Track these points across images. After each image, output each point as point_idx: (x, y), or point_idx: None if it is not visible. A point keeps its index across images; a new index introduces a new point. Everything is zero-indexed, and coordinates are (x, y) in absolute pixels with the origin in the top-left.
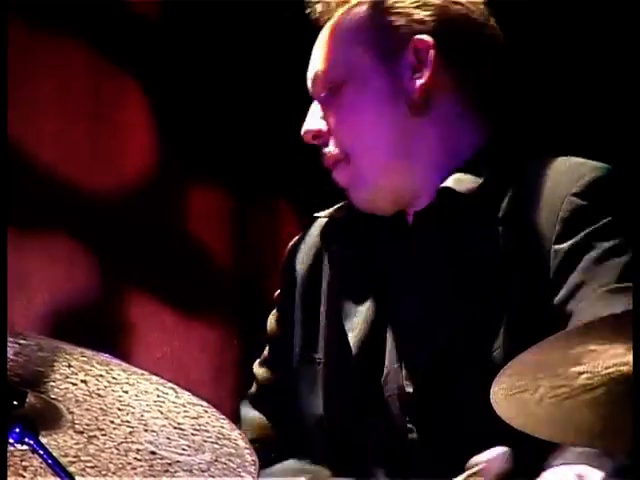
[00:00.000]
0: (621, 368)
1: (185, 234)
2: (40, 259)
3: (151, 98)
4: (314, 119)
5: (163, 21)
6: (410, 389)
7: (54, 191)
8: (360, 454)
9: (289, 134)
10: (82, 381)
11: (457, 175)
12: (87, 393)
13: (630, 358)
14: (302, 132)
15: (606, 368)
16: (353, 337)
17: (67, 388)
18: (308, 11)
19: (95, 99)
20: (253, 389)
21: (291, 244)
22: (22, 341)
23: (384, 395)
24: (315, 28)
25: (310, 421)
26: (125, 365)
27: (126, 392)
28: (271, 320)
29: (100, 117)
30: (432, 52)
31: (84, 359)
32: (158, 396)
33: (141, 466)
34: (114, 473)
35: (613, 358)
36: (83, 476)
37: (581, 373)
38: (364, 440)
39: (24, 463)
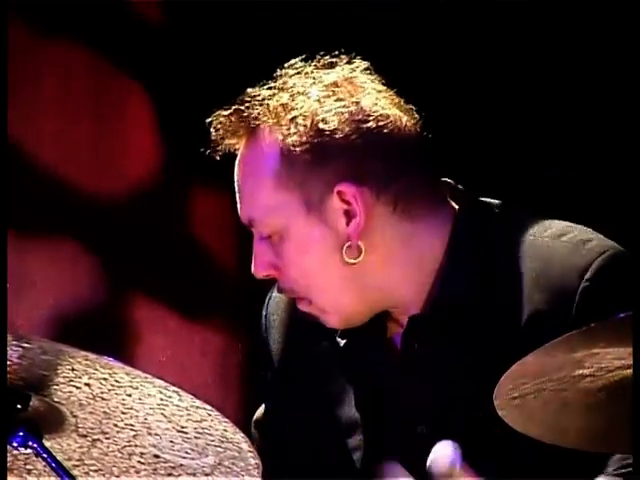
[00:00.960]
0: (624, 371)
1: (189, 237)
2: (44, 262)
3: (153, 99)
4: (262, 260)
5: (165, 22)
6: None
7: (57, 194)
8: None
9: None
10: (85, 384)
11: (444, 282)
12: (90, 396)
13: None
14: (253, 272)
15: (609, 371)
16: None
17: (70, 391)
18: (213, 133)
19: (97, 100)
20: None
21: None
22: (26, 344)
23: None
24: (218, 143)
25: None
26: (128, 368)
27: (129, 395)
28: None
29: (102, 119)
30: (358, 197)
31: (87, 362)
32: (161, 399)
33: (145, 469)
34: (118, 476)
35: (616, 361)
36: (88, 479)
37: (584, 376)
38: None
39: (28, 466)
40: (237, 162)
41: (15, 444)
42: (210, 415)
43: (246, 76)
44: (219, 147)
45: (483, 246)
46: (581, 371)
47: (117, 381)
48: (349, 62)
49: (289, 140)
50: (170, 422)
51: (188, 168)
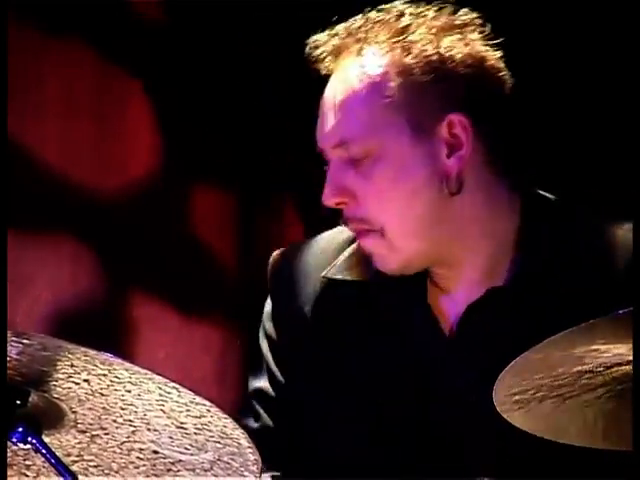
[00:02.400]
0: (623, 367)
1: (189, 235)
2: (44, 260)
3: (155, 99)
4: (337, 186)
5: (166, 22)
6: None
7: (58, 192)
8: None
9: (294, 135)
10: (85, 380)
11: (526, 258)
12: (90, 392)
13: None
14: (323, 197)
15: (608, 367)
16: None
17: (70, 387)
18: (308, 54)
19: (98, 100)
20: (255, 426)
21: (283, 276)
22: (25, 341)
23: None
24: (312, 71)
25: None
26: (128, 364)
27: (129, 391)
28: (269, 355)
29: (104, 118)
30: (469, 130)
31: (87, 359)
32: (161, 395)
33: (144, 465)
34: (117, 472)
35: (615, 357)
36: (86, 475)
37: (583, 372)
38: None
39: (27, 462)
40: (340, 79)
41: (14, 440)
42: (209, 411)
43: (250, 77)
44: (323, 65)
45: (555, 229)
46: (580, 367)
47: (116, 377)
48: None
49: (409, 60)
50: (169, 418)
51: (188, 167)
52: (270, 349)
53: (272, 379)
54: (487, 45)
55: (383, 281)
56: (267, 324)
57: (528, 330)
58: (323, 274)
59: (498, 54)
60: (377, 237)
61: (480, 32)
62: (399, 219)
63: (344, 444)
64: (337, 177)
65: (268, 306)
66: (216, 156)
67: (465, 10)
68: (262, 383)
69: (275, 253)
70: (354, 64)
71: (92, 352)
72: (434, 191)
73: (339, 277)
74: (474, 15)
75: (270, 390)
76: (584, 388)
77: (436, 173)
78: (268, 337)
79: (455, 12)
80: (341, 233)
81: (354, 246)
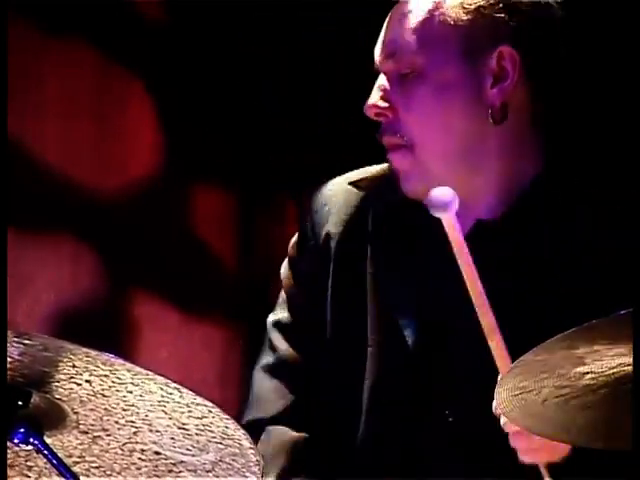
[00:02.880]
0: (625, 368)
1: (189, 235)
2: (45, 259)
3: (156, 99)
4: (382, 95)
5: (167, 22)
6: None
7: (58, 191)
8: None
9: (294, 135)
10: (86, 381)
11: (527, 197)
12: (91, 393)
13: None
14: (367, 106)
15: (610, 368)
16: (410, 338)
17: (71, 388)
18: None
19: (99, 100)
20: (272, 359)
21: (316, 206)
22: (27, 341)
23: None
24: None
25: (346, 404)
26: (129, 365)
27: (130, 392)
28: (291, 282)
29: (104, 117)
30: (517, 64)
31: (88, 359)
32: (162, 396)
33: (145, 466)
34: (119, 473)
35: (617, 358)
36: (88, 476)
37: (585, 373)
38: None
39: (29, 463)
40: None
41: (16, 441)
42: (211, 412)
43: (251, 77)
44: None
45: (571, 190)
46: (582, 368)
47: (118, 378)
48: None
49: None
50: (171, 419)
51: (189, 167)
52: (293, 276)
53: (292, 304)
54: None
55: (404, 202)
56: (292, 253)
57: (504, 272)
58: (349, 181)
59: None
60: (407, 152)
61: None
62: (432, 138)
63: (351, 375)
64: (382, 88)
65: (294, 239)
66: (217, 156)
67: None
68: (280, 315)
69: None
70: None
71: (94, 353)
72: (472, 117)
73: (362, 182)
74: None
75: (289, 318)
76: (586, 389)
77: (478, 101)
78: (292, 266)
79: None
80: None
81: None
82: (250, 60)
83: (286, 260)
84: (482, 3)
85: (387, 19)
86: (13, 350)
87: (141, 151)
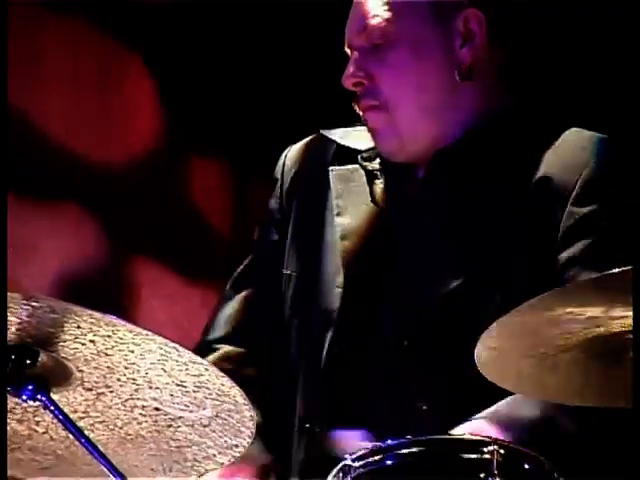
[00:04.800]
0: (597, 329)
1: (187, 203)
2: (50, 228)
3: (156, 75)
4: (357, 66)
5: (167, 9)
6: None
7: (63, 163)
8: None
9: (287, 112)
10: (90, 341)
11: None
12: (95, 352)
13: (607, 320)
14: (343, 78)
15: (583, 329)
16: (347, 275)
17: (76, 348)
18: None
19: (100, 75)
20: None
21: (292, 153)
22: (34, 303)
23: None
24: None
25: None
26: (130, 326)
27: (132, 351)
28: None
29: (105, 92)
30: (483, 25)
31: (92, 321)
32: (162, 355)
33: (146, 421)
34: (121, 428)
35: (590, 320)
36: (92, 431)
37: (560, 334)
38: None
39: (37, 418)
40: None
41: (25, 397)
42: (207, 370)
43: (247, 56)
44: None
45: (524, 124)
46: (557, 329)
47: (120, 338)
48: None
49: None
50: (170, 377)
51: (187, 139)
52: (267, 220)
53: (260, 248)
54: None
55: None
56: (270, 203)
57: (464, 197)
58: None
59: None
60: (383, 112)
61: None
62: (407, 97)
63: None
64: (357, 61)
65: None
66: (213, 129)
67: None
68: (249, 261)
69: (289, 148)
70: None
71: (97, 314)
72: (445, 76)
73: (332, 137)
74: None
75: (252, 260)
76: (561, 349)
77: (449, 60)
78: (267, 213)
79: None
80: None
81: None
82: (247, 37)
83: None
84: None
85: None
86: (21, 312)
87: (141, 124)
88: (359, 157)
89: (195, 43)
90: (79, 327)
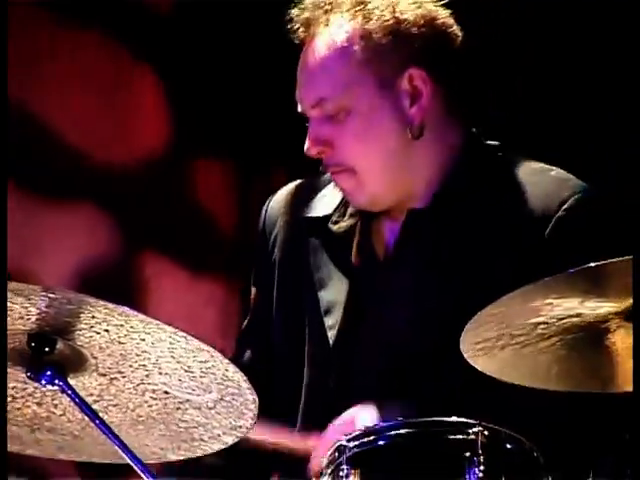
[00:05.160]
0: (573, 319)
1: (194, 202)
2: (68, 225)
3: (163, 80)
4: (317, 135)
5: (171, 7)
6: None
7: (78, 164)
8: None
9: (286, 115)
10: (105, 330)
11: (449, 183)
12: (109, 340)
13: (582, 310)
14: (306, 149)
15: (560, 319)
16: (331, 331)
17: (91, 336)
18: (288, 27)
19: (113, 81)
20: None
21: (272, 205)
22: (52, 295)
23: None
24: (291, 41)
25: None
26: (142, 316)
27: (143, 340)
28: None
29: (118, 98)
30: (427, 82)
31: (106, 311)
32: (171, 343)
33: (156, 404)
34: (133, 410)
35: (567, 310)
36: (106, 413)
37: (539, 323)
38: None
39: (55, 402)
40: (312, 47)
41: (44, 382)
42: (213, 357)
43: (248, 60)
44: (296, 35)
45: (487, 165)
46: (536, 319)
47: (132, 327)
48: None
49: (370, 26)
50: (178, 363)
51: (193, 141)
52: (255, 272)
53: (258, 291)
54: (437, 5)
55: (340, 218)
56: (257, 254)
57: (438, 249)
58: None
59: (448, 12)
60: (350, 175)
61: None
62: (369, 160)
63: (297, 360)
64: (316, 131)
65: (258, 240)
66: (218, 131)
67: None
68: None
69: (270, 197)
70: (323, 33)
71: (111, 305)
72: (399, 136)
73: (309, 215)
74: None
75: (249, 321)
76: (539, 337)
77: (401, 121)
78: (256, 264)
79: None
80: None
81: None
82: (250, 45)
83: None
84: (383, 40)
85: (298, 72)
86: (40, 303)
87: (151, 128)
88: (329, 223)
89: (200, 50)
90: (94, 317)
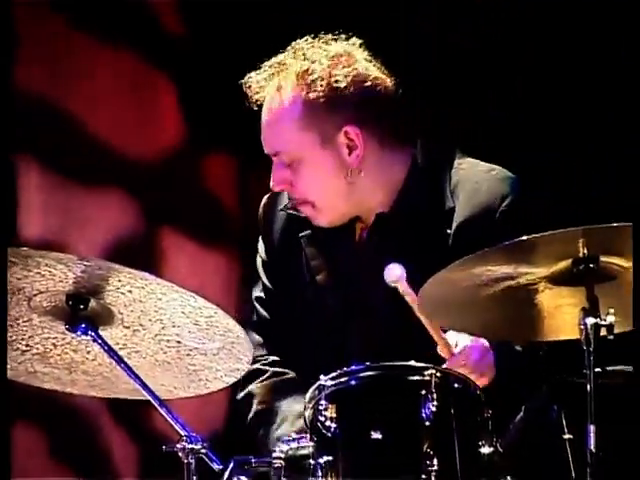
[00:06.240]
0: (510, 282)
1: (204, 188)
2: (100, 206)
3: (178, 88)
4: (279, 178)
5: (185, 30)
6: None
7: (110, 157)
8: None
9: None
10: (128, 291)
11: (404, 191)
12: (132, 300)
13: (516, 275)
14: (271, 187)
15: (498, 282)
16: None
17: (118, 296)
18: (245, 88)
19: (139, 90)
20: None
21: (266, 203)
22: (86, 263)
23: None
24: (248, 101)
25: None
26: (159, 280)
27: (160, 299)
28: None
29: (143, 103)
30: (360, 135)
31: (130, 276)
32: (182, 302)
33: (170, 351)
34: (151, 356)
35: (503, 275)
36: (129, 358)
37: (481, 286)
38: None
39: (88, 349)
40: (266, 111)
41: (79, 333)
42: (217, 313)
43: (247, 70)
44: (252, 100)
45: (433, 173)
46: (479, 282)
47: (151, 289)
48: (346, 39)
49: (311, 95)
50: (188, 318)
51: (203, 138)
52: (261, 266)
53: (264, 288)
54: (369, 62)
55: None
56: (259, 248)
57: (403, 245)
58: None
59: (377, 69)
60: (310, 207)
61: (363, 54)
62: (321, 197)
63: (305, 333)
64: (277, 174)
65: (260, 235)
66: (224, 131)
67: (352, 39)
68: (258, 292)
69: (265, 197)
70: (274, 98)
71: (134, 272)
72: (342, 178)
73: (295, 214)
74: (358, 41)
75: (264, 296)
76: (482, 296)
77: (342, 167)
78: (260, 257)
79: (347, 39)
80: None
81: None
82: (249, 57)
83: (258, 251)
84: (322, 105)
85: (261, 121)
86: (77, 269)
87: (168, 127)
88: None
89: (209, 63)
90: (120, 281)
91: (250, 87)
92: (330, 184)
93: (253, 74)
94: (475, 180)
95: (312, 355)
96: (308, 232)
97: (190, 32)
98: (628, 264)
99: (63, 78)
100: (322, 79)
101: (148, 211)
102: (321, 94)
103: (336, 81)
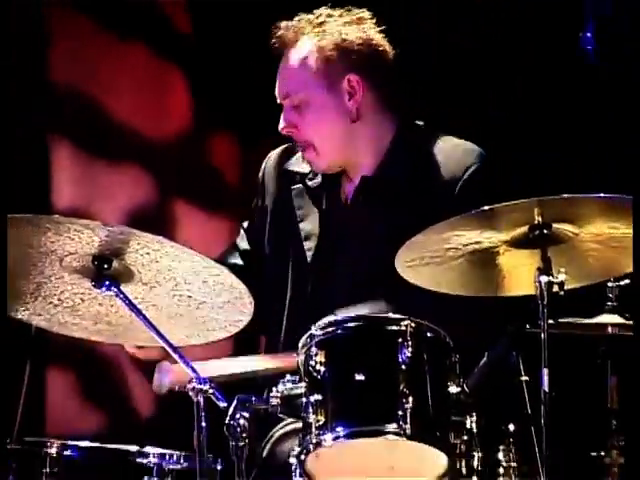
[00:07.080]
0: (475, 245)
1: (210, 163)
2: (120, 179)
3: (190, 81)
4: (287, 120)
5: (193, 30)
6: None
7: (130, 137)
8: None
9: (275, 102)
10: (146, 253)
11: (388, 155)
12: (149, 260)
13: (480, 239)
14: (279, 128)
15: (465, 245)
16: (309, 252)
17: (137, 257)
18: (272, 41)
19: (154, 80)
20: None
21: (270, 162)
22: (110, 228)
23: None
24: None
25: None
26: (172, 243)
27: (173, 260)
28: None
29: (157, 91)
30: (361, 84)
31: (148, 240)
32: (192, 262)
33: (182, 305)
34: (166, 309)
35: (469, 239)
36: (147, 310)
37: (450, 248)
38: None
39: (111, 303)
40: (285, 58)
41: (103, 289)
42: (222, 272)
43: (247, 61)
44: (276, 48)
45: (414, 144)
46: (448, 245)
47: (166, 251)
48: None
49: (322, 43)
50: (197, 276)
51: (209, 120)
52: (254, 207)
53: (250, 223)
54: (376, 30)
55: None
56: (257, 194)
57: (384, 206)
58: (284, 167)
59: (383, 36)
60: (312, 150)
61: (372, 23)
62: (322, 139)
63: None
64: (285, 116)
65: (258, 187)
66: (228, 113)
67: (364, 10)
68: (245, 225)
69: (268, 155)
70: (293, 48)
71: (151, 236)
72: (342, 122)
73: (290, 169)
74: (369, 13)
75: (248, 227)
76: (450, 258)
77: (343, 111)
78: (255, 200)
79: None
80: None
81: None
82: (248, 50)
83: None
84: (331, 54)
85: (277, 74)
86: (101, 233)
87: (178, 110)
88: (306, 179)
89: (213, 55)
90: (139, 244)
91: (273, 35)
92: (331, 128)
93: (277, 24)
94: (447, 152)
95: (281, 303)
96: (299, 186)
97: (197, 29)
98: (578, 230)
99: (89, 70)
100: (334, 32)
101: (162, 184)
102: (331, 44)
103: (346, 34)
